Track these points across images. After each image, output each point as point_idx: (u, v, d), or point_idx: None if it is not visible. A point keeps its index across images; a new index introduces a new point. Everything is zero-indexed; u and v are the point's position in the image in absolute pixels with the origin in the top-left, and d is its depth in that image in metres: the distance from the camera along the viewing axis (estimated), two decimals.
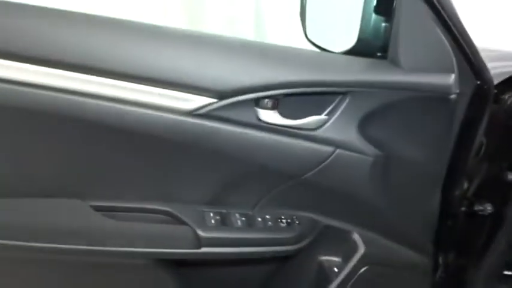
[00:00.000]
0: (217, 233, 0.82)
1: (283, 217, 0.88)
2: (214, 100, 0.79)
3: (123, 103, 0.77)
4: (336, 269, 0.94)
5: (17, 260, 0.79)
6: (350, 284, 0.92)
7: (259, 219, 0.87)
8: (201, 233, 0.81)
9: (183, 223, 0.83)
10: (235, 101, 0.80)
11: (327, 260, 0.96)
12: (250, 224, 0.86)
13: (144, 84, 0.77)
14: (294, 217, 0.89)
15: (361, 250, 0.91)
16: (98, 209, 0.81)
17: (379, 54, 0.90)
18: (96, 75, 0.76)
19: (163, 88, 0.78)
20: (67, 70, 0.75)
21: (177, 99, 0.79)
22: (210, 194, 0.87)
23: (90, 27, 0.78)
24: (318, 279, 0.96)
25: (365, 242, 0.92)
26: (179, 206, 0.85)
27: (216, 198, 0.88)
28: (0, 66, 0.73)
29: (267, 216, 0.88)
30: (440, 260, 1.05)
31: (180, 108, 0.79)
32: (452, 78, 0.82)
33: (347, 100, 0.83)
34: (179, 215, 0.83)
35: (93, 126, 0.77)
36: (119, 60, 0.76)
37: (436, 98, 0.83)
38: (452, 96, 0.82)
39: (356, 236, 0.93)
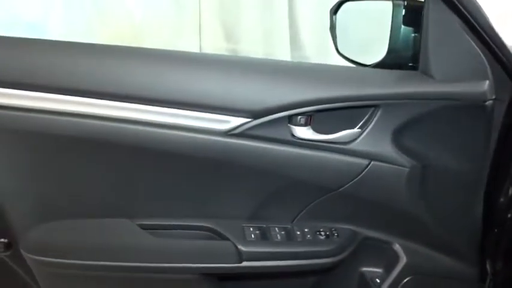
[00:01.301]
0: (258, 247, 0.85)
1: (321, 230, 0.89)
2: (249, 120, 0.82)
3: (163, 128, 0.82)
4: (378, 280, 0.95)
5: (71, 276, 0.85)
6: None
7: (298, 232, 0.88)
8: (242, 247, 0.84)
9: (225, 238, 0.86)
10: (269, 120, 0.82)
11: (369, 272, 0.96)
12: (289, 238, 0.87)
13: (181, 109, 0.82)
14: (333, 229, 0.90)
15: (403, 260, 0.91)
16: (144, 227, 0.86)
17: (410, 64, 0.90)
18: (137, 103, 0.81)
19: (200, 111, 0.82)
20: (109, 100, 0.80)
21: (213, 121, 0.82)
22: (249, 209, 0.90)
23: (129, 59, 0.84)
24: None
25: (407, 253, 0.92)
26: (220, 222, 0.88)
27: (256, 214, 0.90)
28: (50, 100, 0.80)
29: (306, 230, 0.89)
30: (488, 268, 1.02)
31: (217, 129, 0.82)
32: (486, 84, 0.81)
33: (379, 112, 0.84)
34: (221, 231, 0.86)
35: (136, 151, 0.83)
36: (156, 88, 0.81)
37: (471, 106, 0.82)
38: (488, 102, 0.81)
39: (397, 247, 0.92)
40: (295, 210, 0.91)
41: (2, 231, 0.87)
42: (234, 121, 0.82)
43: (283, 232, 0.88)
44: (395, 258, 0.92)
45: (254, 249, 0.84)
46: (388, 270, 0.93)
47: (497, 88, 0.81)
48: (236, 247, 0.84)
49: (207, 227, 0.88)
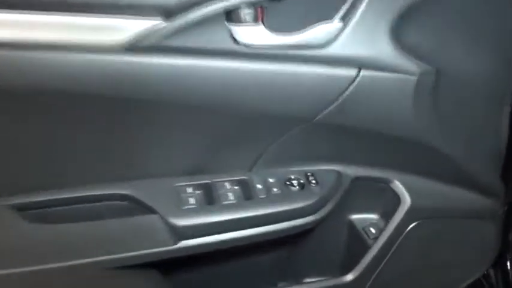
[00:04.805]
0: (200, 217, 0.60)
1: (293, 177, 0.68)
2: (159, 21, 0.55)
3: (30, 49, 0.53)
4: (372, 230, 0.78)
5: None
6: (395, 246, 0.76)
7: (260, 185, 0.66)
8: (174, 220, 0.59)
9: (150, 209, 0.61)
10: (194, 20, 0.55)
11: (359, 219, 0.79)
12: (247, 195, 0.65)
13: (59, 15, 0.53)
14: (309, 174, 0.69)
15: (407, 202, 0.74)
16: (23, 207, 0.58)
17: None
18: None
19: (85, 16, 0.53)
20: None
21: (105, 30, 0.55)
22: (186, 162, 0.67)
23: None
24: (351, 246, 0.79)
25: (410, 191, 0.74)
26: (142, 184, 0.63)
27: (196, 166, 0.67)
28: None
29: (271, 180, 0.67)
30: None
31: (111, 41, 0.55)
32: None
33: None
34: (142, 199, 0.61)
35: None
36: None
37: None
38: None
39: (397, 185, 0.75)
40: (253, 154, 0.68)
41: None
42: (138, 25, 0.55)
43: (237, 187, 0.65)
44: (396, 199, 0.75)
45: (194, 222, 0.60)
46: (387, 216, 0.77)
47: None
48: (166, 221, 0.59)
49: (121, 194, 0.62)
